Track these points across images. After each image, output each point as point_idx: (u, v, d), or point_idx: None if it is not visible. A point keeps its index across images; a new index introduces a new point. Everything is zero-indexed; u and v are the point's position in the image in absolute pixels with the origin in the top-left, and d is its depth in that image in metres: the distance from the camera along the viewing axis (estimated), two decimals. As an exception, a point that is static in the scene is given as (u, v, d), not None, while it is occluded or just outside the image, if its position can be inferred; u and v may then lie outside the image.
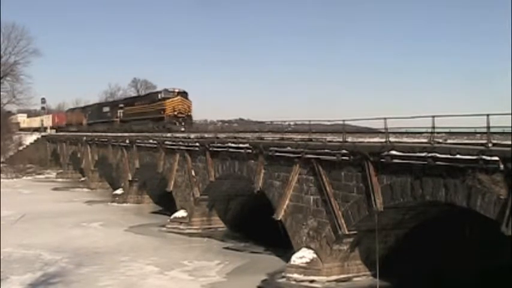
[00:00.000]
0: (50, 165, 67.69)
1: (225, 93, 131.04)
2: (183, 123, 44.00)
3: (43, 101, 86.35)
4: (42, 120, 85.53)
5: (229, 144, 26.26)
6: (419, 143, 16.64)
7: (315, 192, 20.54)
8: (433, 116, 16.07)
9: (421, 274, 18.89)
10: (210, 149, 28.22)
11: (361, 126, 25.31)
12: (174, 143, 32.93)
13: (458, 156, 14.60)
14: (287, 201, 21.99)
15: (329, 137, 21.36)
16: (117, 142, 43.80)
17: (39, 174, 64.06)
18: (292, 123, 31.21)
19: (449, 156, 14.85)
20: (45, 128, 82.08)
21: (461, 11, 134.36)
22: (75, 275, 20.56)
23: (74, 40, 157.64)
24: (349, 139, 19.69)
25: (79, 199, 43.75)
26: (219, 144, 27.50)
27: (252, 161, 24.42)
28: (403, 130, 20.11)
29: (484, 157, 13.94)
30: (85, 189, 50.44)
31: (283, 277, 20.38)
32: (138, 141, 39.04)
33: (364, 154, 17.93)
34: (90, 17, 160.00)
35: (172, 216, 31.47)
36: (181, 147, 31.71)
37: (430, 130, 16.49)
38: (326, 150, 19.71)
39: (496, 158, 13.73)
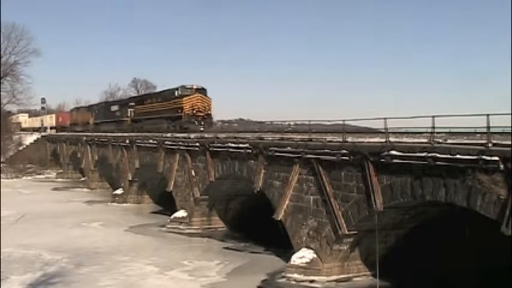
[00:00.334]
0: (50, 165, 67.72)
1: (225, 93, 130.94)
2: (202, 123, 40.78)
3: (43, 101, 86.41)
4: (42, 120, 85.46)
5: (229, 144, 26.26)
6: (419, 143, 16.65)
7: (315, 192, 20.54)
8: (433, 116, 16.08)
9: (421, 274, 18.88)
10: (210, 149, 28.22)
11: (361, 126, 25.33)
12: (174, 143, 32.92)
13: (458, 156, 14.61)
14: (287, 201, 21.99)
15: (329, 137, 21.36)
16: (117, 142, 43.80)
17: (39, 174, 64.12)
18: (292, 123, 31.12)
19: (449, 156, 14.85)
20: (45, 128, 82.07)
21: (461, 11, 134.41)
22: (75, 275, 20.56)
23: (74, 40, 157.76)
24: (349, 139, 19.69)
25: (79, 199, 43.76)
26: (219, 144, 27.51)
27: (252, 161, 24.42)
28: (403, 130, 20.10)
29: (484, 157, 13.94)
30: (85, 189, 50.46)
31: (283, 277, 20.39)
32: (138, 141, 39.05)
33: (364, 154, 17.93)
34: (90, 17, 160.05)
35: (172, 216, 31.47)
36: (181, 147, 31.71)
37: (430, 130, 16.49)
38: (326, 150, 19.71)
39: (496, 158, 13.74)
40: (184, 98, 41.32)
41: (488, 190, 14.08)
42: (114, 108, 58.53)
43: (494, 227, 14.01)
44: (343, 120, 21.33)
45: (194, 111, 40.99)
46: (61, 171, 62.56)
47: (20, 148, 69.54)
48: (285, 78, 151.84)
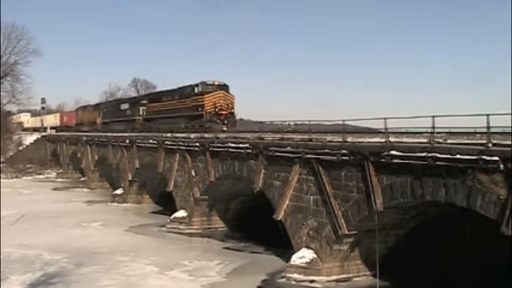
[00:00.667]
0: (50, 165, 67.70)
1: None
2: (225, 122, 37.50)
3: (43, 101, 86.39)
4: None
5: (229, 144, 26.27)
6: (419, 143, 16.65)
7: (315, 192, 20.54)
8: (433, 116, 16.09)
9: (421, 274, 18.88)
10: (210, 149, 28.23)
11: (361, 126, 25.32)
12: (174, 143, 32.92)
13: (458, 156, 14.61)
14: (287, 201, 22.00)
15: (329, 137, 21.36)
16: (117, 142, 43.79)
17: (39, 174, 64.14)
18: (292, 123, 31.02)
19: (449, 156, 14.86)
20: (45, 128, 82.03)
21: (461, 10, 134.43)
22: (75, 275, 20.56)
23: (74, 40, 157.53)
24: (349, 139, 19.69)
25: (79, 199, 43.77)
26: (219, 144, 27.51)
27: (252, 161, 24.42)
28: (403, 130, 20.09)
29: (484, 157, 13.95)
30: (85, 189, 50.49)
31: (283, 277, 20.39)
32: (138, 141, 39.05)
33: (364, 154, 17.94)
34: (90, 17, 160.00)
35: (172, 216, 31.48)
36: (181, 147, 31.71)
37: (430, 130, 16.50)
38: (326, 150, 19.72)
39: (496, 158, 13.74)
40: (206, 95, 38.10)
41: (488, 190, 14.08)
42: (124, 106, 55.20)
43: (494, 227, 14.02)
44: (343, 120, 21.35)
45: (216, 110, 37.67)
46: (61, 171, 62.57)
47: (20, 148, 69.56)
48: (285, 78, 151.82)
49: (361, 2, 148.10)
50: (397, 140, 17.96)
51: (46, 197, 44.75)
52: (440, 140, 16.33)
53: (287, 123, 31.12)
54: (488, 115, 14.33)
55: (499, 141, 14.34)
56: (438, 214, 18.71)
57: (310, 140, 21.50)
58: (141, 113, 49.33)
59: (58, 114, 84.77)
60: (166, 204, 35.74)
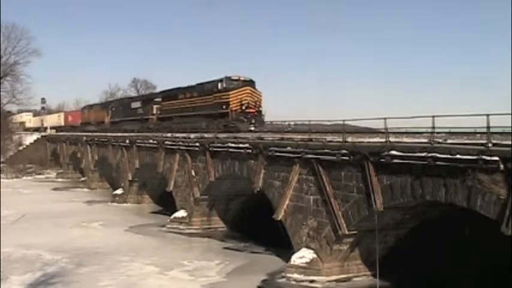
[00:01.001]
0: (50, 165, 67.65)
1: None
2: (253, 121, 34.03)
3: (43, 101, 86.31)
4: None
5: (229, 144, 26.28)
6: (419, 143, 16.66)
7: (315, 192, 20.55)
8: (433, 116, 16.10)
9: (421, 274, 18.89)
10: (210, 149, 28.24)
11: (361, 126, 25.31)
12: (174, 143, 32.92)
13: (458, 156, 14.62)
14: (287, 201, 22.00)
15: (329, 137, 21.36)
16: (117, 142, 43.80)
17: (39, 174, 64.10)
18: (292, 123, 30.94)
19: (449, 156, 14.86)
20: (45, 128, 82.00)
21: (461, 9, 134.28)
22: (75, 275, 20.56)
23: (74, 40, 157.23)
24: (349, 139, 19.69)
25: (79, 199, 43.76)
26: (219, 144, 27.52)
27: (252, 161, 24.43)
28: (403, 130, 20.10)
29: (484, 157, 13.96)
30: (85, 189, 50.50)
31: (283, 277, 20.40)
32: (138, 141, 39.06)
33: (364, 154, 17.94)
34: (90, 17, 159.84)
35: (172, 216, 31.49)
36: (181, 147, 31.71)
37: (430, 130, 16.51)
38: (326, 150, 19.73)
39: (496, 158, 13.75)
40: (231, 92, 34.51)
41: (488, 190, 14.09)
42: (136, 105, 52.02)
43: (494, 227, 14.02)
44: (343, 120, 21.36)
45: (243, 108, 34.15)
46: (61, 171, 62.54)
47: (20, 148, 69.57)
48: (286, 78, 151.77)
49: (361, 1, 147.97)
50: (397, 140, 17.97)
51: (46, 197, 44.73)
52: (440, 140, 16.34)
53: (287, 123, 31.13)
54: (488, 115, 14.34)
55: (499, 141, 14.35)
56: (438, 214, 18.71)
57: (310, 140, 21.51)
58: (154, 111, 46.18)
59: (62, 114, 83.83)
60: (166, 204, 35.74)
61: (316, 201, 20.56)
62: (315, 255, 20.28)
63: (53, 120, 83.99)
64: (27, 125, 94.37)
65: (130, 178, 40.64)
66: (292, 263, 20.50)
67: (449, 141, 16.28)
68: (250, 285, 19.95)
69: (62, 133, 70.94)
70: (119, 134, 46.43)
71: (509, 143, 13.82)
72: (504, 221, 13.64)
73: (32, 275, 20.43)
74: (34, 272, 20.78)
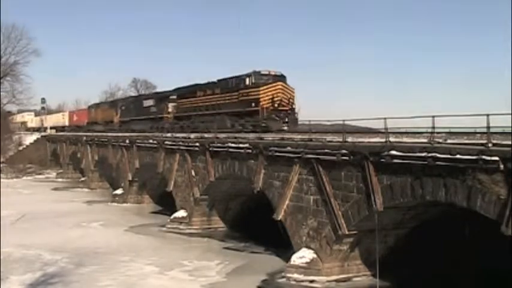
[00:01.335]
0: (50, 165, 67.65)
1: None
2: (286, 120, 30.77)
3: (43, 101, 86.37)
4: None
5: (229, 144, 26.27)
6: (419, 143, 16.65)
7: (315, 192, 20.54)
8: (433, 116, 16.11)
9: (421, 274, 18.89)
10: (210, 149, 28.23)
11: (361, 126, 25.31)
12: (174, 143, 32.92)
13: (458, 156, 14.61)
14: (287, 201, 22.00)
15: (329, 137, 21.36)
16: (117, 142, 43.79)
17: (39, 174, 64.12)
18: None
19: (449, 156, 14.86)
20: (45, 128, 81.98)
21: (462, 8, 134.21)
22: (75, 275, 20.56)
23: (74, 40, 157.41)
24: (349, 139, 19.68)
25: (79, 199, 43.77)
26: (219, 144, 27.51)
27: (252, 161, 24.43)
28: (403, 130, 20.11)
29: (484, 157, 13.95)
30: (85, 189, 50.50)
31: (283, 277, 20.40)
32: (138, 141, 39.05)
33: (364, 154, 17.94)
34: (90, 17, 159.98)
35: (172, 216, 31.48)
36: (181, 147, 31.70)
37: (430, 130, 16.51)
38: (326, 150, 19.72)
39: (496, 158, 13.74)
40: (261, 88, 31.02)
41: (488, 190, 14.09)
42: (148, 103, 48.36)
43: (494, 227, 14.02)
44: (343, 120, 21.35)
45: (275, 105, 30.74)
46: (61, 171, 62.55)
47: (20, 148, 69.56)
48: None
49: (361, 1, 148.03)
50: (397, 140, 17.96)
51: (46, 197, 44.73)
52: (440, 140, 16.33)
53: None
54: (488, 115, 14.34)
55: (499, 141, 14.34)
56: (438, 214, 18.71)
57: (310, 140, 21.51)
58: (170, 110, 42.56)
59: (67, 113, 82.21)
60: (166, 204, 35.74)
61: (316, 201, 20.56)
62: (315, 255, 20.28)
63: (57, 119, 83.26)
64: (29, 124, 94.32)
65: (130, 178, 40.63)
66: (292, 263, 20.50)
67: (449, 141, 16.27)
68: (250, 285, 19.95)
69: (62, 133, 70.89)
70: (119, 134, 46.37)
71: (509, 143, 13.81)
72: (504, 221, 13.63)
73: (32, 275, 20.43)
74: (34, 272, 20.79)
